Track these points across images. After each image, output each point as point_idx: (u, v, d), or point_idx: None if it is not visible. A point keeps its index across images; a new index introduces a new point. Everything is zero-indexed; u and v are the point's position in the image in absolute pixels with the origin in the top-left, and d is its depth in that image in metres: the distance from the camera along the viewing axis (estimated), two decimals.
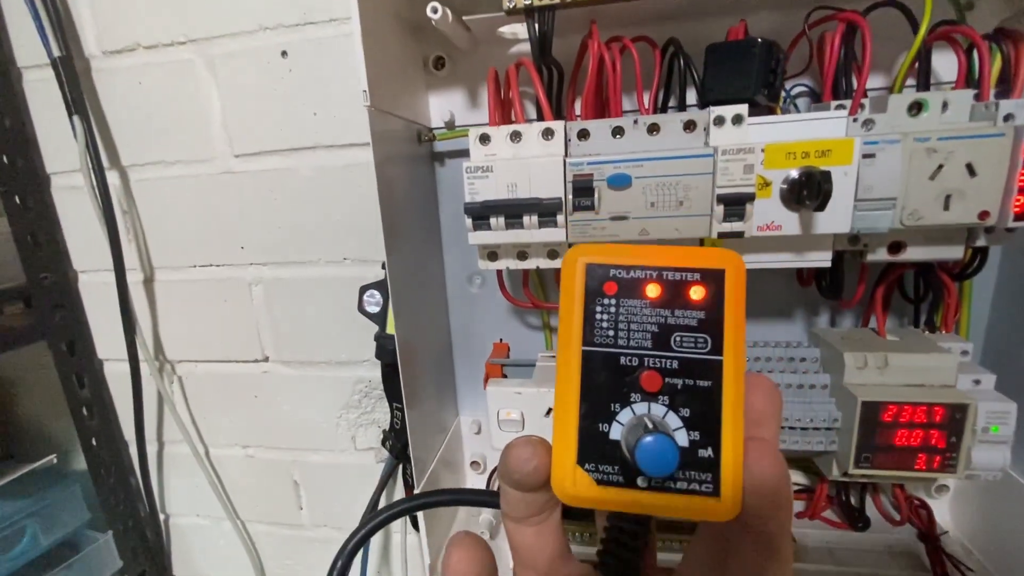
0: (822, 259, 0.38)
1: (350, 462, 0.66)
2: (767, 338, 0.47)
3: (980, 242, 0.36)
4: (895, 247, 0.37)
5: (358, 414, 0.64)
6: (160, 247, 0.63)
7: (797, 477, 0.50)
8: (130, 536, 0.72)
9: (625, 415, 0.17)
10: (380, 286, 0.51)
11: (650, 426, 0.16)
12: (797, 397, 0.42)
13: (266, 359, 0.64)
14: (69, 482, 0.70)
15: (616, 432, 0.17)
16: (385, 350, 0.50)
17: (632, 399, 0.17)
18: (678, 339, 0.17)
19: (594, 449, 0.17)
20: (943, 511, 0.50)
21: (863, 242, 0.37)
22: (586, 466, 0.17)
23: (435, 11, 0.39)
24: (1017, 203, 0.33)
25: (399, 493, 0.64)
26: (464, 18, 0.42)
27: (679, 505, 0.17)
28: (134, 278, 0.64)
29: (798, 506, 0.49)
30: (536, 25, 0.39)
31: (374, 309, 0.50)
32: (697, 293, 0.17)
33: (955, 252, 0.37)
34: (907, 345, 0.41)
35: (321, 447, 0.67)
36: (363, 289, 0.51)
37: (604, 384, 0.17)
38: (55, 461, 0.67)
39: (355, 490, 0.67)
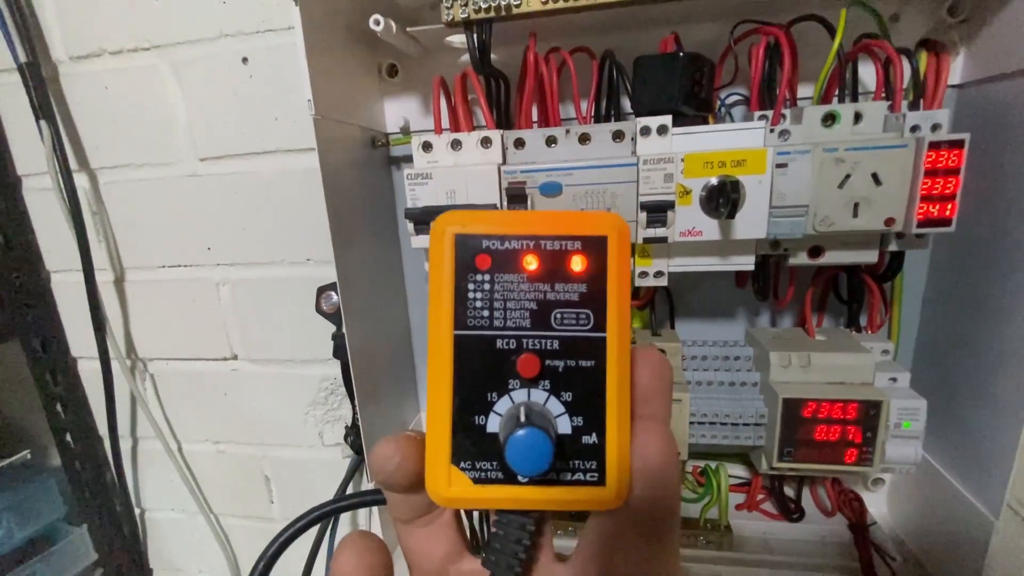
0: (746, 263, 0.39)
1: (318, 457, 0.68)
2: (709, 338, 0.49)
3: (892, 247, 0.38)
4: (815, 251, 0.39)
5: (325, 411, 0.66)
6: (130, 248, 0.65)
7: (737, 470, 0.52)
8: (106, 530, 0.74)
9: (503, 404, 0.16)
10: (336, 287, 0.52)
11: (523, 418, 0.15)
12: (729, 394, 0.44)
13: (235, 357, 0.66)
14: (44, 477, 0.72)
15: (494, 424, 0.16)
16: (342, 349, 0.52)
17: (511, 386, 0.16)
18: (558, 316, 0.16)
19: (470, 445, 0.16)
20: (880, 504, 0.52)
21: (783, 246, 0.39)
22: (462, 465, 0.16)
23: (377, 23, 0.40)
24: (921, 211, 0.35)
25: (366, 487, 0.66)
26: (408, 30, 0.43)
27: (564, 498, 0.16)
28: (105, 278, 0.65)
29: (737, 498, 0.51)
30: (475, 37, 0.40)
31: (331, 309, 0.52)
32: (578, 264, 0.16)
33: (870, 256, 0.39)
34: (832, 345, 0.42)
35: (290, 443, 0.68)
36: (320, 290, 0.52)
37: (480, 372, 0.16)
38: (29, 456, 0.68)
39: (324, 484, 0.69)
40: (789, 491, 0.50)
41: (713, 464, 0.49)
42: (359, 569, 0.17)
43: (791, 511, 0.49)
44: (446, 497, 0.16)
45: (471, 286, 0.16)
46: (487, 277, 0.16)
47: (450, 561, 0.19)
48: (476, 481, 0.16)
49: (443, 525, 0.19)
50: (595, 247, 0.16)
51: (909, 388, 0.40)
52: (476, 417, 0.16)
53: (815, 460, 0.40)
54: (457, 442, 0.16)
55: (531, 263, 0.16)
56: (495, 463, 0.16)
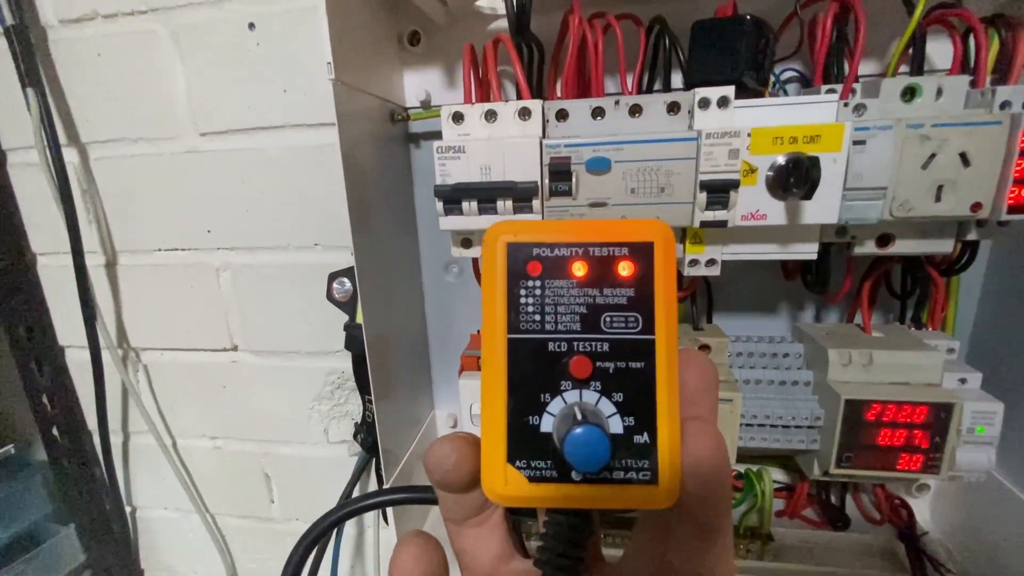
0: (808, 251, 0.36)
1: (323, 455, 0.64)
2: (750, 332, 0.45)
3: (971, 236, 0.35)
4: (884, 240, 0.36)
5: (330, 406, 0.62)
6: (123, 229, 0.60)
7: (777, 475, 0.48)
8: (94, 529, 0.70)
9: (556, 405, 0.16)
10: (350, 273, 0.48)
11: (579, 416, 0.16)
12: (779, 394, 0.41)
13: (235, 348, 0.62)
14: (29, 473, 0.68)
15: (547, 424, 0.16)
16: (355, 340, 0.48)
17: (563, 387, 0.16)
18: (608, 320, 0.17)
19: (525, 445, 0.16)
20: (923, 511, 0.49)
21: (851, 234, 0.36)
22: (517, 463, 0.16)
23: None
24: (1012, 194, 0.31)
25: (372, 487, 0.62)
26: None
27: (616, 496, 0.16)
28: (95, 261, 0.61)
29: (778, 504, 0.48)
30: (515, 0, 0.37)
31: (343, 297, 0.48)
32: (626, 269, 0.17)
33: (945, 246, 0.35)
34: (892, 342, 0.39)
35: (293, 439, 0.65)
36: (332, 276, 0.48)
37: (533, 374, 0.17)
38: (13, 451, 0.64)
39: (328, 483, 0.65)
40: (833, 497, 0.47)
41: (754, 468, 0.46)
42: (419, 567, 0.18)
43: (836, 519, 0.46)
44: (502, 495, 0.17)
45: (523, 292, 0.17)
46: (538, 283, 0.17)
47: (501, 561, 0.19)
48: (531, 479, 0.16)
49: (494, 526, 0.19)
50: (642, 253, 0.16)
51: (981, 390, 0.37)
52: (530, 417, 0.16)
53: (876, 466, 0.37)
54: (512, 441, 0.17)
55: (580, 269, 0.17)
56: (549, 462, 0.16)
